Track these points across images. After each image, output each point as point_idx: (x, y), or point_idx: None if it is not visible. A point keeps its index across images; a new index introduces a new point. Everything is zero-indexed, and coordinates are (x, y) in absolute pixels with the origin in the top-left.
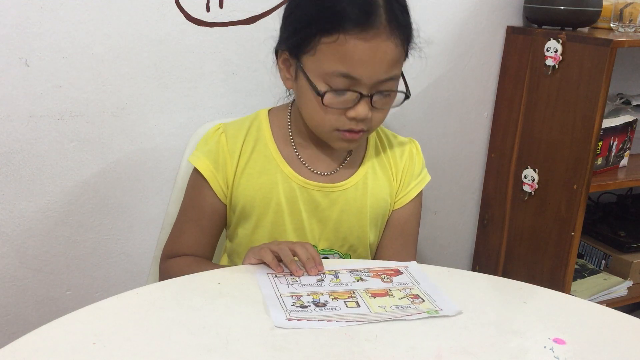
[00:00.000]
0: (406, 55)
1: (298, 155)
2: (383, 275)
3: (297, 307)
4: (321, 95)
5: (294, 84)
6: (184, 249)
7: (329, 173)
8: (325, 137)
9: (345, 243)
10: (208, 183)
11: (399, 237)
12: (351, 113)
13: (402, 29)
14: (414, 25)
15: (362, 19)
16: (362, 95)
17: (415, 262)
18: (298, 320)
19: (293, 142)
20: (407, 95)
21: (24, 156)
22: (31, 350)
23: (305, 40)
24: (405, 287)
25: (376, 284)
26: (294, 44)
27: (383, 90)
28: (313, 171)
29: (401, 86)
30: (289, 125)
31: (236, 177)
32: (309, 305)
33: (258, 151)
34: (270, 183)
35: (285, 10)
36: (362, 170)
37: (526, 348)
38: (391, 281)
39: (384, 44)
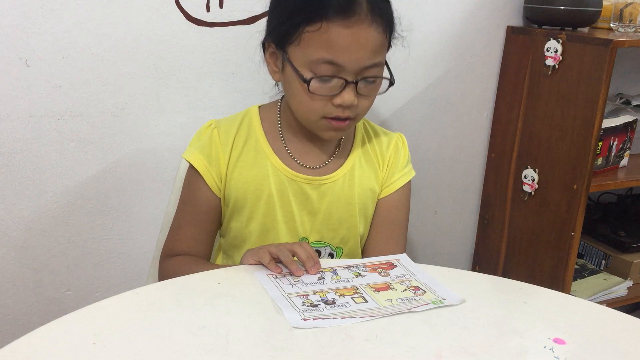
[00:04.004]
0: (389, 44)
1: (287, 149)
2: (380, 270)
3: (307, 306)
4: (307, 81)
5: (281, 76)
6: (183, 246)
7: (317, 166)
8: (313, 127)
9: (337, 235)
10: (202, 178)
11: (387, 225)
12: (337, 100)
13: (383, 16)
14: (395, 15)
15: (343, 6)
16: (347, 82)
17: (405, 254)
18: (314, 319)
19: (282, 136)
20: (391, 82)
21: (24, 156)
22: (31, 350)
23: (290, 30)
24: (404, 280)
25: (375, 278)
26: (280, 35)
27: (368, 76)
28: (302, 165)
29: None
30: (279, 120)
31: (229, 170)
32: (319, 304)
33: (249, 144)
34: (262, 175)
35: (271, 3)
36: (349, 162)
37: (526, 348)
38: (389, 275)
39: (365, 31)
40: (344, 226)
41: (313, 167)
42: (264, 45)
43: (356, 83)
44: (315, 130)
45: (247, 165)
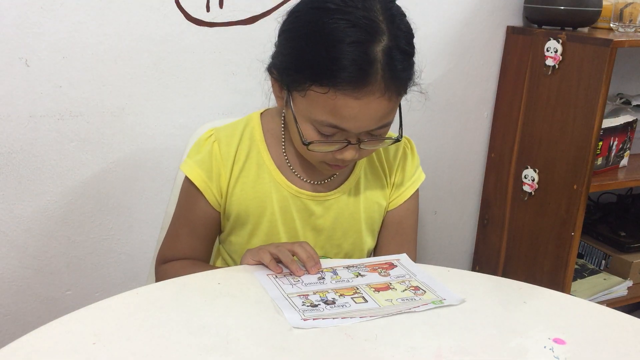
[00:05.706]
0: (405, 93)
1: (290, 164)
2: (380, 270)
3: (307, 306)
4: (306, 144)
5: (284, 107)
6: (180, 254)
7: (321, 182)
8: (312, 163)
9: (341, 250)
10: (202, 193)
11: (395, 236)
12: (338, 155)
13: (399, 82)
14: (416, 68)
15: (355, 76)
16: (350, 142)
17: (405, 254)
18: (314, 319)
19: (285, 150)
20: (397, 139)
21: (24, 156)
22: (31, 350)
23: (296, 80)
24: (404, 280)
25: (375, 278)
26: (285, 77)
27: (373, 134)
28: (305, 180)
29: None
30: (282, 133)
31: (230, 185)
32: (319, 304)
33: (251, 159)
34: (264, 192)
35: (282, 29)
36: (355, 175)
37: (526, 348)
38: (389, 274)
39: (376, 102)
40: (349, 241)
41: (317, 183)
42: (269, 71)
43: (359, 142)
44: (314, 164)
45: (249, 181)
